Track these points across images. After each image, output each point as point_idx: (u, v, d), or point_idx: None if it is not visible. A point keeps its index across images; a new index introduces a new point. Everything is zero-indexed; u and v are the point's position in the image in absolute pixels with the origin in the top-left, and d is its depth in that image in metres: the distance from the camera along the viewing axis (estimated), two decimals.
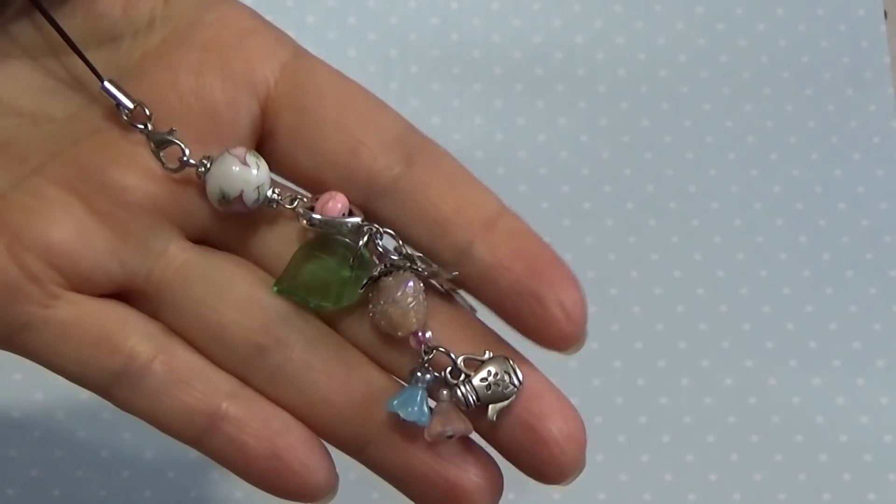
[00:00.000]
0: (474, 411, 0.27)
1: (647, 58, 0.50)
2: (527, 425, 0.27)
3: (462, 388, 0.27)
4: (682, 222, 0.48)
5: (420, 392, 0.27)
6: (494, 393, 0.27)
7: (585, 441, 0.27)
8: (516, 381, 0.27)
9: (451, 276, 0.27)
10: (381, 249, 0.28)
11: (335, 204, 0.28)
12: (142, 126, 0.28)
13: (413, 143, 0.28)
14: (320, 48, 0.49)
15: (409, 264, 0.27)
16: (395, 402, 0.27)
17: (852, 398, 0.46)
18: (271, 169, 0.28)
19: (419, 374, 0.27)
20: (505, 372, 0.27)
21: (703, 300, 0.47)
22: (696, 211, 0.48)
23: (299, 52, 0.29)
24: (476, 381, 0.27)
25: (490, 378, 0.27)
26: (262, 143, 0.29)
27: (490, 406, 0.27)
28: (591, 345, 0.45)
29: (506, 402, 0.27)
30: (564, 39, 0.50)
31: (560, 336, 0.27)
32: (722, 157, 0.49)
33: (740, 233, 0.48)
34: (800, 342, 0.47)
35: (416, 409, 0.27)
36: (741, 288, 0.47)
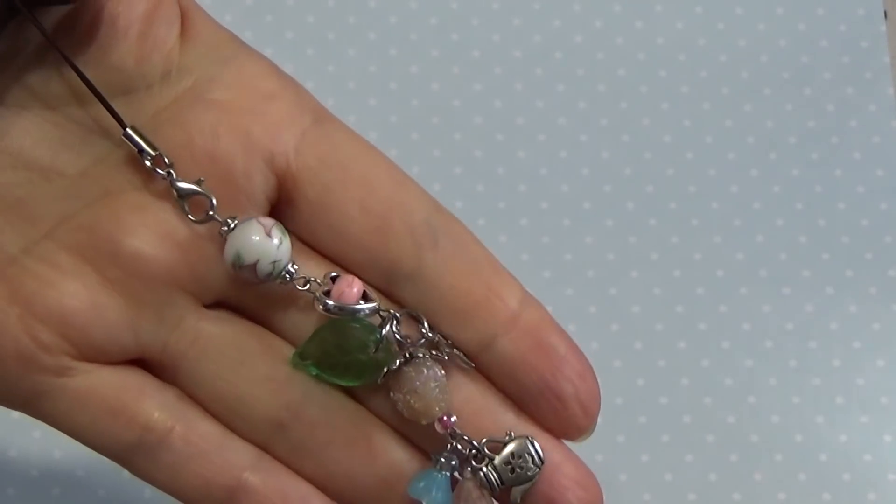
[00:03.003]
0: (497, 493, 0.27)
1: (647, 58, 0.50)
2: (547, 498, 0.27)
3: (486, 470, 0.27)
4: (682, 222, 0.48)
5: (443, 478, 0.27)
6: (518, 476, 0.27)
7: None
8: (538, 462, 0.27)
9: (468, 365, 0.28)
10: (398, 336, 0.27)
11: (351, 290, 0.27)
12: (165, 174, 0.27)
13: (438, 226, 0.28)
14: (320, 48, 0.50)
15: (428, 352, 0.27)
16: (420, 485, 0.27)
17: (852, 398, 0.46)
18: (295, 236, 0.28)
19: (443, 459, 0.27)
20: (527, 453, 0.27)
21: (703, 300, 0.47)
22: (696, 211, 0.48)
23: (319, 117, 0.29)
24: (499, 463, 0.27)
25: (513, 461, 0.27)
26: (282, 211, 0.28)
27: (514, 489, 0.27)
28: (590, 345, 0.46)
29: (528, 485, 0.27)
30: (564, 39, 0.50)
31: (575, 430, 0.28)
32: (722, 157, 0.49)
33: (740, 233, 0.48)
34: (800, 342, 0.47)
35: (439, 494, 0.27)
36: (741, 288, 0.47)
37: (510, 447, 0.27)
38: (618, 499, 0.45)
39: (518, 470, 0.27)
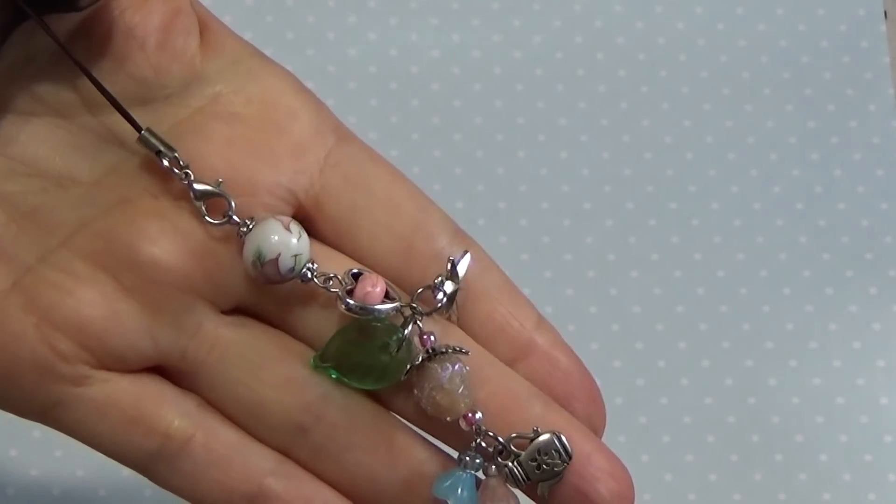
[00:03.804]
0: (524, 488, 0.27)
1: (647, 58, 0.50)
2: (577, 490, 0.27)
3: (511, 466, 0.27)
4: (682, 222, 0.48)
5: (468, 477, 0.27)
6: (544, 472, 0.27)
7: (634, 497, 0.28)
8: (566, 457, 0.27)
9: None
10: (422, 331, 0.27)
11: (375, 290, 0.27)
12: (182, 174, 0.27)
13: (460, 251, 0.28)
14: (320, 48, 0.50)
15: (451, 348, 0.27)
16: (446, 485, 0.27)
17: (852, 398, 0.46)
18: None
19: (468, 458, 0.27)
20: (553, 449, 0.27)
21: (703, 300, 0.47)
22: (696, 211, 0.48)
23: (342, 136, 0.29)
24: (525, 459, 0.27)
25: (539, 457, 0.27)
26: (307, 231, 0.28)
27: (540, 484, 0.27)
28: (590, 345, 0.46)
29: (555, 480, 0.27)
30: (564, 39, 0.50)
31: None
32: (722, 157, 0.49)
33: (740, 233, 0.48)
34: (800, 342, 0.47)
35: (464, 494, 0.27)
36: (741, 288, 0.47)
37: (537, 443, 0.27)
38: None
39: (545, 466, 0.27)
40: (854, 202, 0.48)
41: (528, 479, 0.27)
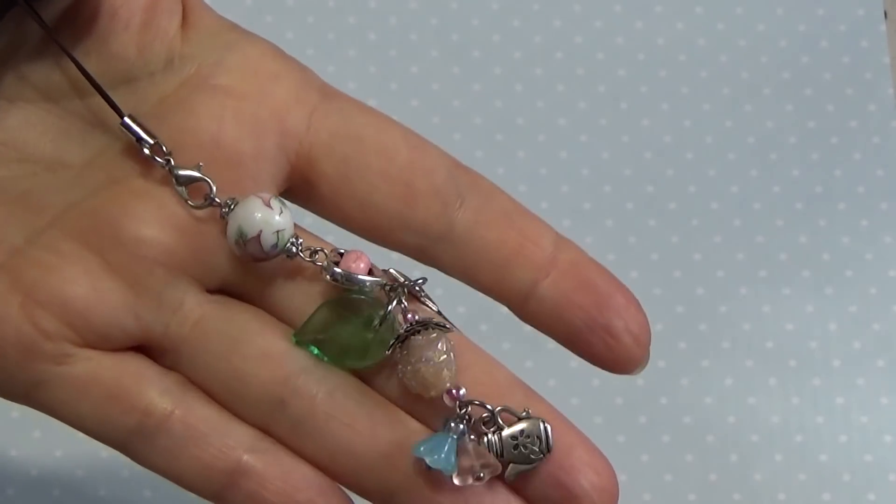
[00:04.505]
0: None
1: (647, 58, 0.50)
2: (557, 481, 0.27)
3: (491, 436, 0.27)
4: (682, 222, 0.48)
5: (450, 440, 0.27)
6: (520, 454, 0.27)
7: (618, 493, 0.27)
8: (545, 448, 0.27)
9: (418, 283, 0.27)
10: (405, 309, 0.27)
11: (358, 265, 0.27)
12: (163, 161, 0.27)
13: (462, 182, 0.28)
14: (320, 48, 0.50)
15: (436, 322, 0.27)
16: (423, 447, 0.26)
17: (852, 398, 0.46)
18: (318, 215, 0.28)
19: (452, 423, 0.27)
20: (537, 435, 0.27)
21: (703, 300, 0.47)
22: (696, 211, 0.48)
23: (326, 93, 0.29)
24: (507, 436, 0.27)
25: (520, 438, 0.27)
26: (301, 193, 0.28)
27: (511, 465, 0.27)
28: None
29: (528, 467, 0.27)
30: (564, 39, 0.50)
31: (630, 362, 0.28)
32: (722, 157, 0.49)
33: (740, 233, 0.48)
34: (800, 342, 0.47)
35: (443, 456, 0.26)
36: (741, 288, 0.47)
37: (523, 424, 0.27)
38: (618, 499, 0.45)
39: (523, 449, 0.27)
40: (854, 202, 0.48)
41: (503, 455, 0.27)
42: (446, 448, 0.26)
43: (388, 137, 0.28)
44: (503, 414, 0.27)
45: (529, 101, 0.49)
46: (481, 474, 0.27)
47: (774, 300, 0.47)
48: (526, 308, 0.28)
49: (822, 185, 0.48)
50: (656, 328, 0.47)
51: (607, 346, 0.28)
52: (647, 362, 0.28)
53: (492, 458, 0.27)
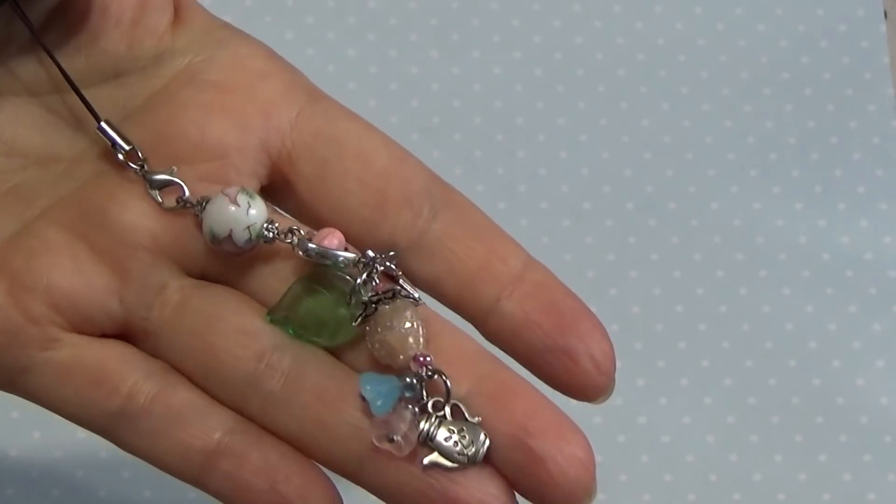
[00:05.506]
0: (418, 441, 0.27)
1: (646, 58, 0.50)
2: (521, 443, 0.26)
3: (428, 422, 0.27)
4: (682, 222, 0.48)
5: (397, 386, 0.27)
6: (445, 449, 0.26)
7: (593, 463, 0.27)
8: (473, 458, 0.26)
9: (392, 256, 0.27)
10: (377, 285, 0.27)
11: (332, 240, 0.27)
12: (137, 166, 0.28)
13: (437, 195, 0.28)
14: (320, 48, 0.50)
15: (402, 291, 0.27)
16: (370, 378, 0.27)
17: (852, 398, 0.46)
18: (294, 216, 0.28)
19: (409, 379, 0.27)
20: (472, 444, 0.26)
21: (703, 300, 0.47)
22: (696, 211, 0.48)
23: (314, 95, 0.29)
24: (447, 425, 0.27)
25: (455, 437, 0.26)
26: (280, 191, 0.29)
27: (431, 455, 0.27)
28: None
29: (448, 463, 0.26)
30: (564, 40, 0.50)
31: (591, 388, 0.27)
32: (722, 157, 0.49)
33: (740, 233, 0.48)
34: (800, 342, 0.47)
35: (381, 394, 0.26)
36: (741, 288, 0.47)
37: (469, 426, 0.26)
38: (618, 499, 0.45)
39: (454, 445, 0.26)
40: (854, 202, 0.48)
41: (431, 440, 0.26)
42: (388, 391, 0.27)
43: (368, 144, 0.28)
44: (454, 407, 0.27)
45: (529, 101, 0.49)
46: (394, 438, 0.26)
47: (774, 300, 0.47)
48: (487, 324, 0.28)
49: (822, 185, 0.48)
50: (656, 328, 0.47)
51: (566, 370, 0.27)
52: (611, 391, 0.28)
53: (413, 436, 0.26)
